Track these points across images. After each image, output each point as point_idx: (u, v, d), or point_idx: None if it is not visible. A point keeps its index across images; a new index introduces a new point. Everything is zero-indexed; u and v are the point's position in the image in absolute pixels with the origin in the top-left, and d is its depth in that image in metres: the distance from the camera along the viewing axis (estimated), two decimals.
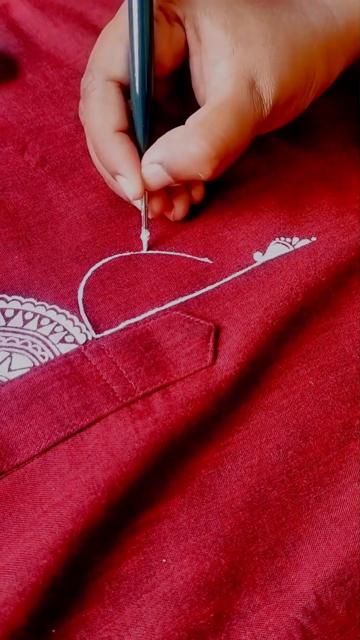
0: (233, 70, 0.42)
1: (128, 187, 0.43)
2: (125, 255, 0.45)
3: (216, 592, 0.34)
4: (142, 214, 0.44)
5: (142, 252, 0.45)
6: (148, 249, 0.45)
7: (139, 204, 0.45)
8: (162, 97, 0.47)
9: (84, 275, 0.43)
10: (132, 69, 0.42)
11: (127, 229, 0.46)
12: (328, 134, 0.54)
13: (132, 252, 0.45)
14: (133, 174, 0.42)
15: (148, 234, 0.45)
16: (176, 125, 0.42)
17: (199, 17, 0.44)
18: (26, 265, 0.44)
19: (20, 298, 0.42)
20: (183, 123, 0.42)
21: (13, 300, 0.42)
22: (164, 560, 0.34)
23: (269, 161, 0.50)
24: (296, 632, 0.33)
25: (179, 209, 0.46)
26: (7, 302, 0.42)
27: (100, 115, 0.43)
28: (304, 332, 0.42)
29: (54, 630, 0.32)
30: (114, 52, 0.43)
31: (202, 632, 0.32)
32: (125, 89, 0.44)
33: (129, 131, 0.43)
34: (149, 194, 0.44)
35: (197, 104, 0.45)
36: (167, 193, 0.45)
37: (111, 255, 0.44)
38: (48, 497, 0.35)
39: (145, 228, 0.45)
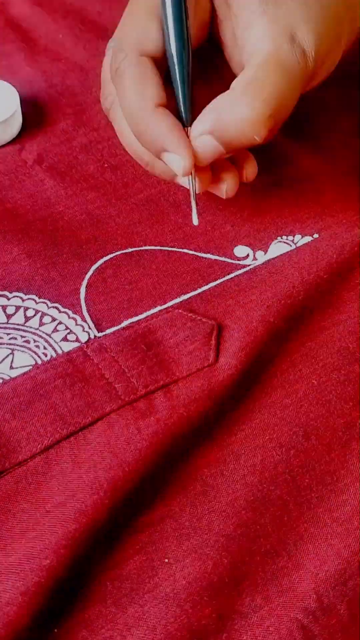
0: (269, 27, 0.41)
1: (177, 163, 0.40)
2: (127, 252, 0.45)
3: (218, 592, 0.34)
4: (191, 191, 0.42)
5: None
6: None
7: (186, 182, 0.43)
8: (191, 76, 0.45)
9: (86, 273, 0.43)
10: (168, 40, 0.41)
11: (128, 227, 0.46)
12: (329, 129, 0.54)
13: (133, 249, 0.45)
14: (183, 148, 0.40)
15: (196, 208, 0.43)
16: (206, 104, 0.41)
17: None
18: (26, 259, 0.43)
19: (21, 295, 0.42)
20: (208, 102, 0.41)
21: (14, 297, 0.42)
22: (167, 560, 0.34)
23: (269, 157, 0.50)
24: (297, 632, 0.33)
25: (231, 183, 0.43)
26: (9, 298, 0.42)
27: (138, 92, 0.41)
28: (306, 329, 0.42)
29: (56, 630, 0.32)
30: (146, 27, 0.42)
31: (204, 633, 0.32)
32: (160, 65, 0.42)
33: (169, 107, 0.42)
34: (196, 169, 0.42)
35: (225, 77, 0.44)
36: (212, 170, 0.44)
37: (113, 253, 0.44)
38: (51, 496, 0.35)
39: (195, 203, 0.42)
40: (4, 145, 0.50)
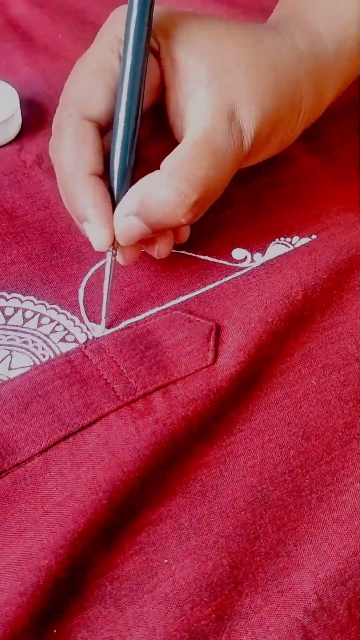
0: (210, 100, 0.39)
1: (94, 236, 0.39)
2: None
3: (218, 593, 0.33)
4: (106, 276, 0.40)
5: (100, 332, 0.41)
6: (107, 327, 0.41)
7: (107, 270, 0.40)
8: (140, 139, 0.43)
9: (85, 275, 0.43)
10: (118, 109, 0.39)
11: None
12: (327, 130, 0.54)
13: None
14: (102, 223, 0.39)
15: (106, 306, 0.40)
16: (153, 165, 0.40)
17: (173, 47, 0.40)
18: (25, 261, 0.43)
19: (19, 296, 0.42)
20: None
21: (13, 298, 0.42)
22: (166, 561, 0.34)
23: (268, 158, 0.50)
24: (297, 632, 0.33)
25: (163, 246, 0.42)
26: (7, 299, 0.42)
27: (74, 154, 0.39)
28: (305, 330, 0.42)
29: (55, 630, 0.32)
30: (91, 89, 0.40)
31: (204, 633, 0.32)
32: (103, 131, 0.41)
33: (104, 177, 0.40)
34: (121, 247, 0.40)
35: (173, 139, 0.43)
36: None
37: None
38: (49, 496, 0.35)
39: (106, 299, 0.40)
40: (3, 146, 0.49)
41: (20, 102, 0.50)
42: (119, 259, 0.41)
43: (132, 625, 0.33)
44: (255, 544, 0.35)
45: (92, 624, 0.33)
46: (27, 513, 0.35)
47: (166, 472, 0.36)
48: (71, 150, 0.40)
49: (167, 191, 0.38)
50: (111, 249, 0.40)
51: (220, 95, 0.40)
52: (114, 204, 0.40)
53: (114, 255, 0.40)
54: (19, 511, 0.35)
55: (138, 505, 0.35)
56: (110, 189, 0.40)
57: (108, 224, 0.39)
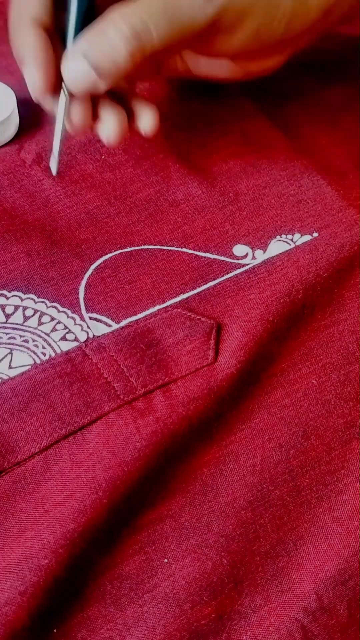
0: None
1: (29, 78, 0.39)
2: (126, 252, 0.44)
3: (218, 592, 0.34)
4: (57, 121, 0.39)
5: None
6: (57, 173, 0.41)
7: (59, 112, 0.40)
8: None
9: (85, 273, 0.43)
10: None
11: (127, 226, 0.46)
12: (328, 127, 0.54)
13: (132, 248, 0.45)
14: (37, 64, 0.38)
15: (57, 153, 0.40)
16: None
17: None
18: (25, 258, 0.43)
19: (20, 294, 0.42)
20: None
21: (13, 296, 0.42)
22: (166, 560, 0.34)
23: (269, 156, 0.50)
24: (297, 632, 0.33)
25: (110, 124, 0.41)
26: (7, 298, 0.42)
27: (20, 6, 0.40)
28: (306, 329, 0.42)
29: (55, 630, 0.32)
30: None
31: (204, 633, 0.32)
32: None
33: (58, 32, 0.40)
34: (71, 100, 0.39)
35: None
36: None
37: (112, 252, 0.44)
38: (49, 496, 0.35)
39: (59, 144, 0.39)
40: (1, 146, 0.49)
41: (19, 102, 0.50)
42: (72, 115, 0.40)
43: (132, 624, 0.33)
44: (256, 544, 0.35)
45: (92, 624, 0.33)
46: (27, 512, 0.35)
47: (166, 472, 0.36)
48: (18, 2, 0.40)
49: (110, 31, 0.38)
50: (65, 91, 0.39)
51: None
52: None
53: (66, 95, 0.40)
54: (19, 510, 0.35)
55: (138, 504, 0.35)
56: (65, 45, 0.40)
57: (44, 66, 0.39)
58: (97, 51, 0.38)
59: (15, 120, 0.50)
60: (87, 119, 0.41)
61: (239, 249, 0.45)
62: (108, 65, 0.38)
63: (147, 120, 0.42)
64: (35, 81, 0.39)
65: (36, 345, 0.40)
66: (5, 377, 0.38)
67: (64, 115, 0.40)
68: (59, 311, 0.41)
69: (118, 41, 0.38)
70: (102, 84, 0.39)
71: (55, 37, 0.41)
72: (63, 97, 0.40)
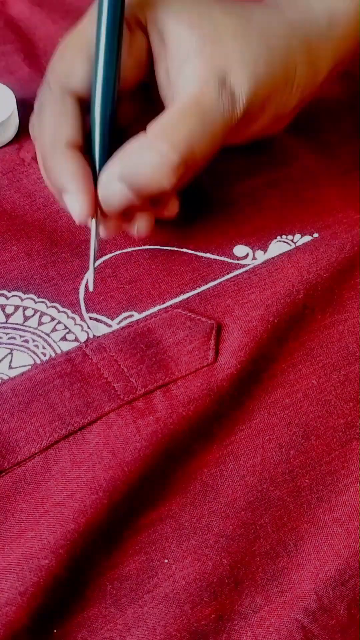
0: (200, 67, 0.38)
1: (74, 206, 0.38)
2: (127, 252, 0.44)
3: (218, 593, 0.34)
4: (92, 242, 0.40)
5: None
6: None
7: (92, 228, 0.40)
8: (129, 119, 0.43)
9: (85, 272, 0.43)
10: (94, 81, 0.39)
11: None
12: (329, 127, 0.54)
13: (132, 248, 0.45)
14: (81, 193, 0.38)
15: (93, 268, 0.40)
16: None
17: (162, 18, 0.40)
18: (25, 258, 0.43)
19: (20, 294, 0.42)
20: None
21: (13, 296, 0.42)
22: (166, 561, 0.34)
23: (269, 156, 0.50)
24: (297, 632, 0.33)
25: (142, 224, 0.41)
26: (7, 298, 0.42)
27: (53, 127, 0.39)
28: (306, 329, 0.42)
29: (55, 631, 0.32)
30: (73, 64, 0.40)
31: (204, 633, 0.32)
32: (84, 105, 0.40)
33: (86, 152, 0.40)
34: (104, 216, 0.39)
35: None
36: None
37: (112, 252, 0.44)
38: (50, 496, 0.35)
39: (93, 264, 0.40)
40: (1, 147, 0.49)
41: (19, 102, 0.50)
42: (101, 231, 0.40)
43: (132, 625, 0.33)
44: (256, 544, 0.35)
45: (92, 624, 0.33)
46: (27, 513, 0.35)
47: (166, 472, 0.36)
48: (50, 123, 0.40)
49: (150, 153, 0.37)
50: (94, 219, 0.39)
51: (212, 62, 0.39)
52: (96, 178, 0.39)
53: (97, 234, 0.40)
54: (19, 511, 0.35)
55: (138, 504, 0.35)
56: (92, 163, 0.40)
57: (88, 192, 0.38)
58: (140, 178, 0.38)
59: (15, 120, 0.50)
60: (119, 229, 0.41)
61: (240, 250, 0.45)
62: (148, 188, 0.38)
63: (142, 222, 0.41)
64: (82, 208, 0.38)
65: (36, 346, 0.40)
66: (6, 377, 0.38)
67: (96, 229, 0.40)
68: (59, 311, 0.41)
69: (166, 169, 0.37)
70: (139, 201, 0.39)
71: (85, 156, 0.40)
72: (93, 225, 0.40)
